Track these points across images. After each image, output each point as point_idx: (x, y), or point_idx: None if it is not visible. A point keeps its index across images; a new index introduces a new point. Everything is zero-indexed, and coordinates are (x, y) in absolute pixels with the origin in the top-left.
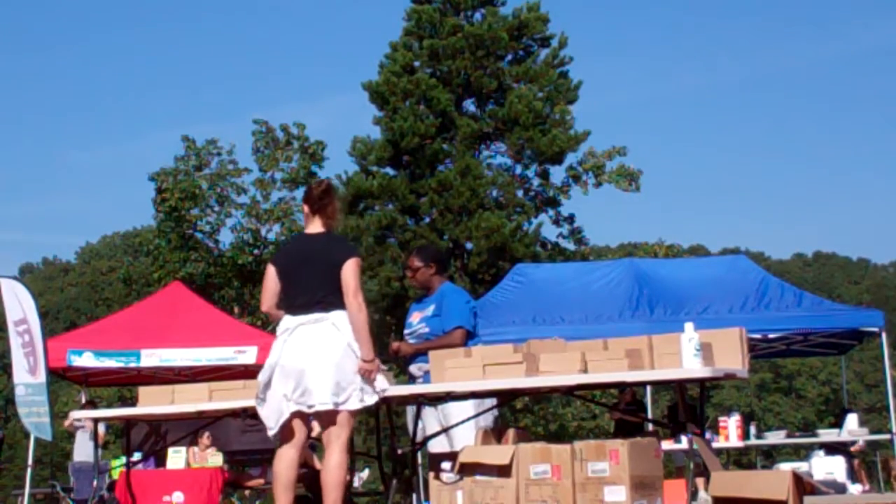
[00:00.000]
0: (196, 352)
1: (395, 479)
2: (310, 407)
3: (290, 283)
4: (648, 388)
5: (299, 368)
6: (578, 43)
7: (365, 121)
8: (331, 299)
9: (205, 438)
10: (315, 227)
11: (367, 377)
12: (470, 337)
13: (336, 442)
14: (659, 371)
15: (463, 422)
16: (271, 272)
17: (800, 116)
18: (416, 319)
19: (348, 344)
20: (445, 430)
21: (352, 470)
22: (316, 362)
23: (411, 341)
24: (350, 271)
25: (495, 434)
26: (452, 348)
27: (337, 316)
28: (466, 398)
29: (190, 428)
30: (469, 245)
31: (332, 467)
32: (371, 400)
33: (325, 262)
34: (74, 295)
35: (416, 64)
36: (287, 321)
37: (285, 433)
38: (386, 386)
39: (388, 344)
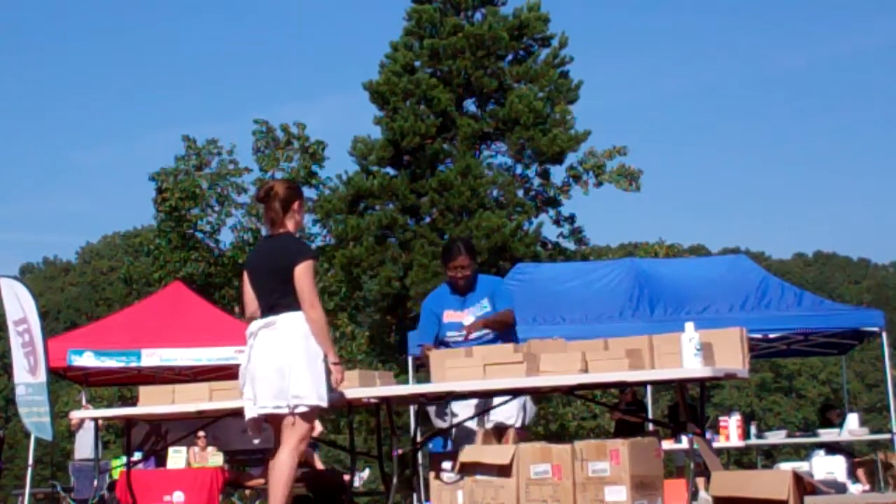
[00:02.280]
0: (196, 352)
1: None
2: (261, 409)
3: (253, 287)
4: (649, 388)
5: (252, 373)
6: (579, 43)
7: (365, 121)
8: (281, 302)
9: (200, 439)
10: (270, 229)
11: (337, 379)
12: (514, 321)
13: (286, 443)
14: (659, 371)
15: (470, 418)
16: (244, 278)
17: (800, 116)
18: (468, 320)
19: (297, 347)
20: (452, 427)
21: (352, 470)
22: (262, 367)
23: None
24: (301, 278)
25: (496, 434)
26: (506, 322)
27: (284, 319)
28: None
29: (190, 428)
30: None
31: (276, 464)
32: (321, 404)
33: (273, 265)
34: (75, 295)
35: (417, 64)
36: (251, 326)
37: (276, 436)
38: (323, 399)
39: (390, 344)
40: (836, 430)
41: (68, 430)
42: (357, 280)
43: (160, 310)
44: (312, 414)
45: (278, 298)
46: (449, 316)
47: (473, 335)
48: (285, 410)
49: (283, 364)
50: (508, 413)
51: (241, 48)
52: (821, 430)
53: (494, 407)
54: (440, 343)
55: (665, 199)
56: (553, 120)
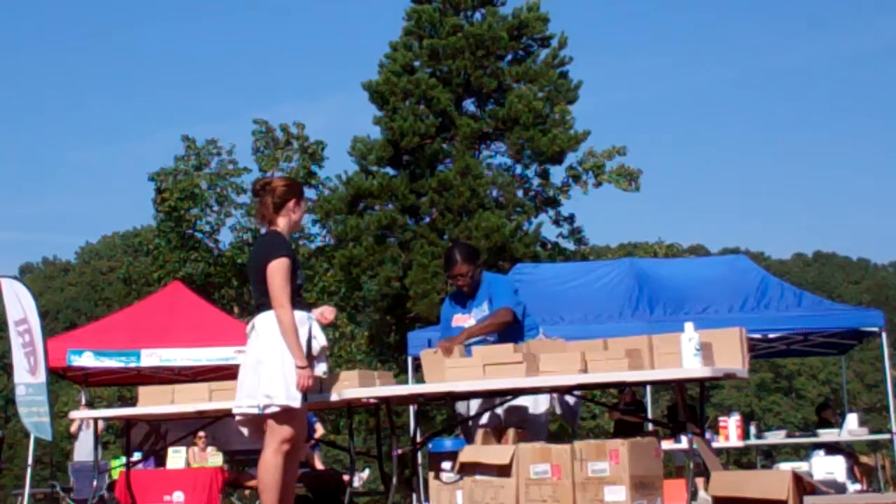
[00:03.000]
0: (196, 352)
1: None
2: (237, 408)
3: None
4: (648, 388)
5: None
6: (578, 43)
7: (365, 121)
8: (262, 301)
9: (200, 439)
10: (260, 224)
11: (300, 384)
12: (515, 318)
13: (267, 446)
14: (659, 371)
15: (474, 416)
16: None
17: (800, 116)
18: (471, 323)
19: (269, 346)
20: (467, 420)
21: (352, 470)
22: (242, 367)
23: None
24: (270, 276)
25: (495, 434)
26: (500, 322)
27: (260, 319)
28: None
29: (190, 428)
30: None
31: (259, 467)
32: (292, 404)
33: (254, 264)
34: (74, 295)
35: (416, 64)
36: (248, 326)
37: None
38: (293, 400)
39: (389, 344)
40: (835, 431)
41: (68, 430)
42: (356, 280)
43: (160, 310)
44: (285, 415)
45: (259, 297)
46: (456, 320)
47: (470, 340)
48: (256, 410)
49: (256, 363)
50: (524, 404)
51: (240, 48)
52: (820, 431)
53: (508, 401)
54: None
55: (665, 199)
56: (552, 120)
